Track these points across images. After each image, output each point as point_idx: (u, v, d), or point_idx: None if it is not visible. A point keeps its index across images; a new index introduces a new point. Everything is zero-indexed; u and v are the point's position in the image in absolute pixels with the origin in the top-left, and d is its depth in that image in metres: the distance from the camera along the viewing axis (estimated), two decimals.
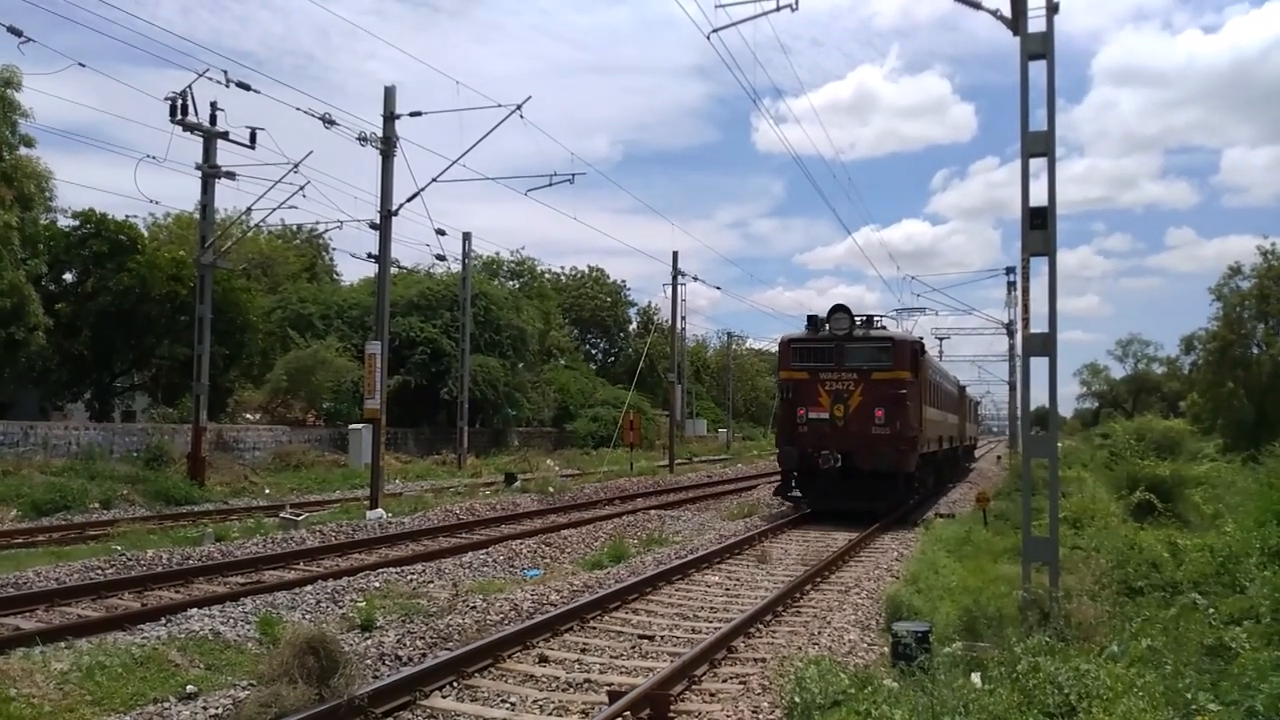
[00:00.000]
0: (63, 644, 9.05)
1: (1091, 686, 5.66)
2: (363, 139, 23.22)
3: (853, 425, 22.09)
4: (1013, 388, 53.71)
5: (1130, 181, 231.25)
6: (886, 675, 7.41)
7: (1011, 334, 50.15)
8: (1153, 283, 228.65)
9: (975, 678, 6.32)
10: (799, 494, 23.66)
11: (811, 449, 22.28)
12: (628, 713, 7.32)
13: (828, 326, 23.01)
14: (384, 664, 8.91)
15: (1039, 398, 13.48)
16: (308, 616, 10.94)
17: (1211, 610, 7.90)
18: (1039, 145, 10.23)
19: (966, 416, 44.29)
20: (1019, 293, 10.69)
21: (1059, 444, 15.21)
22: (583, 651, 9.80)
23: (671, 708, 7.67)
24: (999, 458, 58.33)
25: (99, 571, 13.46)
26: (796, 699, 6.87)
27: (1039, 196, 10.16)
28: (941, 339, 60.92)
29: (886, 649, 9.06)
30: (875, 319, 23.81)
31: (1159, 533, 13.63)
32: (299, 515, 20.32)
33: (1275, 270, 44.36)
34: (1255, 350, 45.77)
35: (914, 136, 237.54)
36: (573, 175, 26.02)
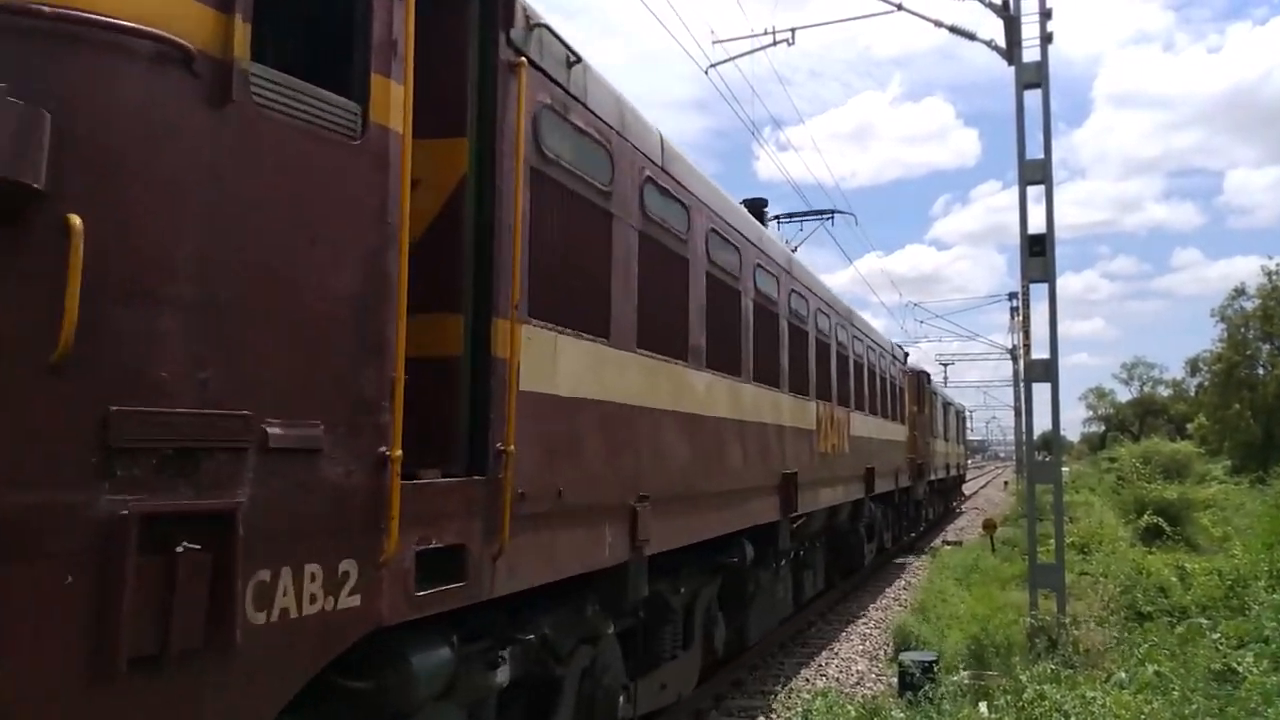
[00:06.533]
0: None
1: (1098, 714, 5.64)
2: None
3: None
4: (1018, 413, 53.64)
5: (1134, 204, 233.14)
6: (894, 706, 7.38)
7: (1015, 359, 50.18)
8: (1158, 305, 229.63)
9: (981, 707, 6.31)
10: None
11: None
12: None
13: None
14: None
15: (1044, 423, 13.34)
16: None
17: (1218, 635, 7.88)
18: (1036, 173, 10.34)
19: (930, 429, 24.96)
20: (1020, 319, 10.75)
21: (1065, 469, 15.22)
22: None
23: None
24: (1005, 483, 58.13)
25: None
26: None
27: (1038, 223, 10.28)
28: (946, 364, 60.78)
29: (895, 679, 9.02)
30: None
31: (1167, 556, 13.62)
32: None
33: (1279, 291, 44.41)
34: (1261, 371, 45.74)
35: (916, 162, 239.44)
36: None
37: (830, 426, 11.69)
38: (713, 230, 7.40)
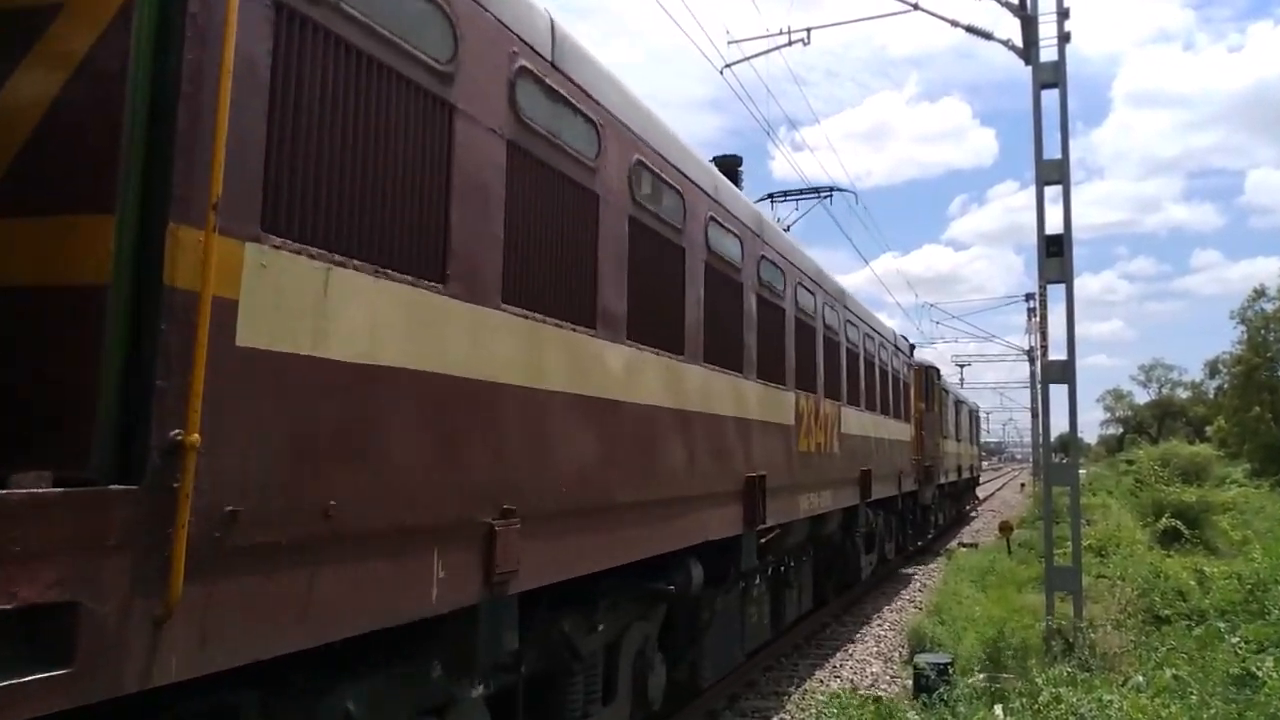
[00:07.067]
0: None
1: (1114, 718, 5.61)
2: None
3: None
4: (1035, 415, 53.37)
5: (1153, 204, 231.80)
6: (909, 708, 7.35)
7: (1033, 360, 49.93)
8: (1177, 306, 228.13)
9: (997, 710, 6.28)
10: None
11: None
12: None
13: None
14: None
15: (1061, 425, 13.02)
16: None
17: (1237, 639, 7.82)
18: (1053, 173, 10.29)
19: (940, 428, 22.54)
20: (1037, 320, 10.71)
21: (1082, 471, 15.12)
22: None
23: None
24: (1022, 485, 57.92)
25: None
26: None
27: (1055, 224, 10.24)
28: (963, 365, 60.50)
29: (910, 681, 9.00)
30: None
31: (1185, 560, 13.54)
32: None
33: None
34: None
35: (933, 162, 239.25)
36: None
37: (814, 422, 9.92)
38: (640, 162, 5.65)
